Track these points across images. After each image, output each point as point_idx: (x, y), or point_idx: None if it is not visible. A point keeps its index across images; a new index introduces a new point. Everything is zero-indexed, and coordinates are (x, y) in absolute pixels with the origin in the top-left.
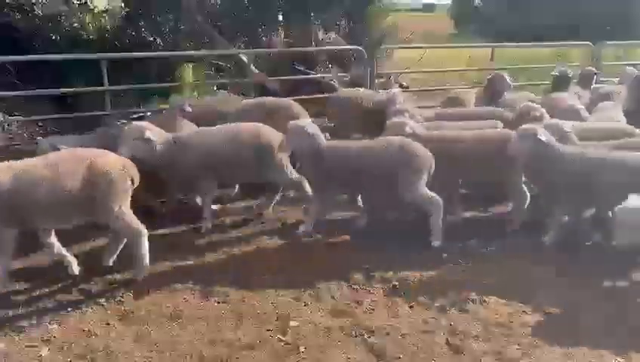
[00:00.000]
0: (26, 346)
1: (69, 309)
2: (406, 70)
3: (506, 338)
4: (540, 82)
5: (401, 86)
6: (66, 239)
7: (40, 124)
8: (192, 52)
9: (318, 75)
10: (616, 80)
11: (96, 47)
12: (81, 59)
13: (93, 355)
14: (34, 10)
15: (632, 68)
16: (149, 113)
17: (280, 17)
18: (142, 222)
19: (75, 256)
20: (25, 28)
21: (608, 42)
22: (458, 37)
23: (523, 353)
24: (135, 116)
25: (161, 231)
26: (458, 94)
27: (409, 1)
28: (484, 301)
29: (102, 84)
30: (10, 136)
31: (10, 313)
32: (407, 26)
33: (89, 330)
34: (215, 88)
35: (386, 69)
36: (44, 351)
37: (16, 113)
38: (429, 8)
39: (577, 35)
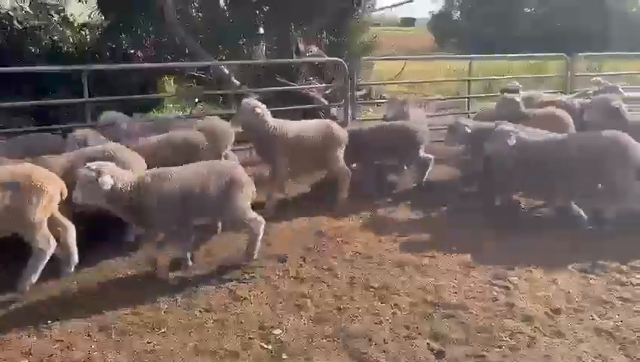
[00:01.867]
0: (4, 359)
1: (49, 321)
2: (386, 82)
3: (488, 342)
4: None
5: (382, 97)
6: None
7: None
8: (174, 64)
9: (299, 87)
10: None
11: (76, 61)
12: (61, 72)
13: None
14: (13, 25)
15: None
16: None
17: (261, 30)
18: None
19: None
20: (4, 42)
21: (582, 54)
22: (438, 51)
23: (504, 356)
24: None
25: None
26: None
27: (385, 16)
28: (466, 306)
29: (82, 97)
30: None
31: None
32: (387, 40)
33: (69, 342)
34: (196, 101)
35: (366, 82)
36: None
37: None
38: (407, 23)
39: (553, 48)
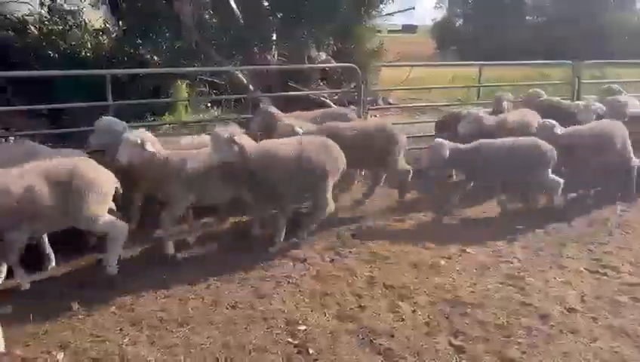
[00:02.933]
0: (42, 352)
1: (81, 316)
2: (394, 88)
3: (506, 339)
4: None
5: (389, 103)
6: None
7: (36, 140)
8: (190, 69)
9: (309, 92)
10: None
11: (92, 65)
12: (76, 75)
13: (108, 359)
14: (29, 30)
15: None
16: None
17: (274, 36)
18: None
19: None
20: (21, 46)
21: (586, 62)
22: (440, 58)
23: (523, 352)
24: None
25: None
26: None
27: (389, 23)
28: (483, 304)
29: (98, 101)
30: None
31: (25, 321)
32: (389, 47)
33: (103, 336)
34: (209, 105)
35: (373, 88)
36: (60, 356)
37: (12, 129)
38: (409, 29)
39: (552, 56)
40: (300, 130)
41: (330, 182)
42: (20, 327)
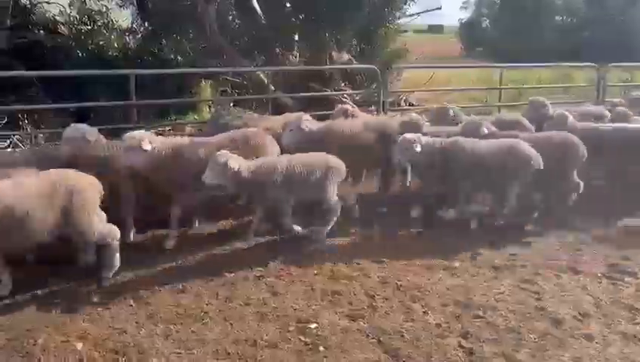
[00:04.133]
0: (62, 341)
1: (100, 309)
2: (415, 89)
3: (517, 343)
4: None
5: (411, 105)
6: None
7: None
8: (213, 69)
9: (330, 93)
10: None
11: (119, 64)
12: (102, 74)
13: (125, 350)
14: (59, 30)
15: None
16: (167, 128)
17: (296, 37)
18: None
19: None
20: (52, 46)
21: (612, 64)
22: (466, 59)
23: (533, 356)
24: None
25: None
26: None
27: (415, 23)
28: (496, 307)
29: (124, 100)
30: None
31: (47, 311)
32: (415, 47)
33: (120, 328)
34: (232, 105)
35: (395, 89)
36: (79, 346)
37: (42, 126)
38: (435, 30)
39: (579, 58)
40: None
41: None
42: (41, 317)
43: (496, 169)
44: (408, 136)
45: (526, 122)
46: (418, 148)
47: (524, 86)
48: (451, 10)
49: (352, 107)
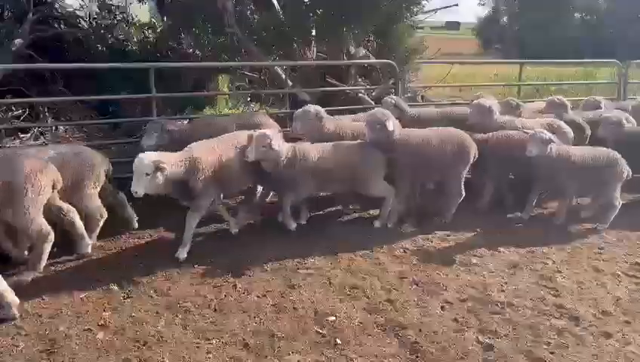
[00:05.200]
0: (84, 330)
1: (121, 298)
2: (432, 85)
3: (535, 339)
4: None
5: (426, 101)
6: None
7: (85, 129)
8: (231, 63)
9: (348, 88)
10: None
11: (138, 58)
12: (122, 68)
13: (146, 339)
14: (80, 23)
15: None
16: (185, 121)
17: (313, 32)
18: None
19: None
20: (72, 39)
21: (636, 61)
22: (484, 56)
23: (552, 353)
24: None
25: (209, 229)
26: None
27: (431, 19)
28: (514, 304)
29: (143, 93)
30: (58, 140)
31: (69, 300)
32: (432, 44)
33: (140, 318)
34: (249, 99)
35: (413, 85)
36: (100, 335)
37: (62, 119)
38: (452, 27)
39: (602, 55)
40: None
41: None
42: (64, 305)
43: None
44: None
45: None
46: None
47: (544, 82)
48: (468, 7)
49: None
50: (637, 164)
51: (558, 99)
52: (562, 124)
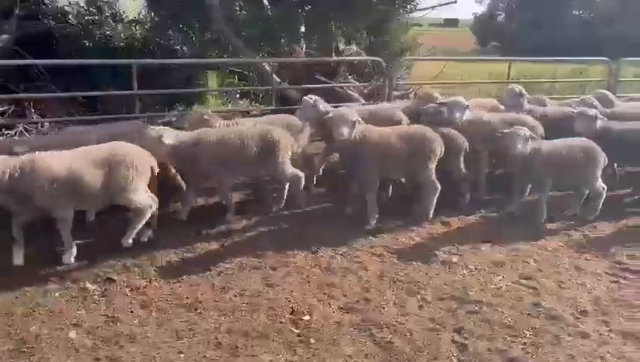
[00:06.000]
0: (55, 329)
1: (96, 296)
2: (424, 82)
3: (511, 339)
4: (559, 96)
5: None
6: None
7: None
8: (218, 59)
9: (337, 85)
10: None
11: (126, 55)
12: (110, 64)
13: (118, 339)
14: (68, 19)
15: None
16: (173, 118)
17: (302, 29)
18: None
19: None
20: (61, 36)
21: (626, 59)
22: (480, 53)
23: (527, 353)
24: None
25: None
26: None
27: (430, 16)
28: (492, 303)
29: (131, 90)
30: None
31: (41, 298)
32: (429, 40)
33: (114, 316)
34: (238, 96)
35: (405, 82)
36: (72, 334)
37: (49, 115)
38: (451, 23)
39: (600, 53)
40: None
41: None
42: (37, 303)
43: None
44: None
45: None
46: None
47: (533, 80)
48: (467, 4)
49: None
50: (611, 158)
51: (517, 88)
52: (529, 118)
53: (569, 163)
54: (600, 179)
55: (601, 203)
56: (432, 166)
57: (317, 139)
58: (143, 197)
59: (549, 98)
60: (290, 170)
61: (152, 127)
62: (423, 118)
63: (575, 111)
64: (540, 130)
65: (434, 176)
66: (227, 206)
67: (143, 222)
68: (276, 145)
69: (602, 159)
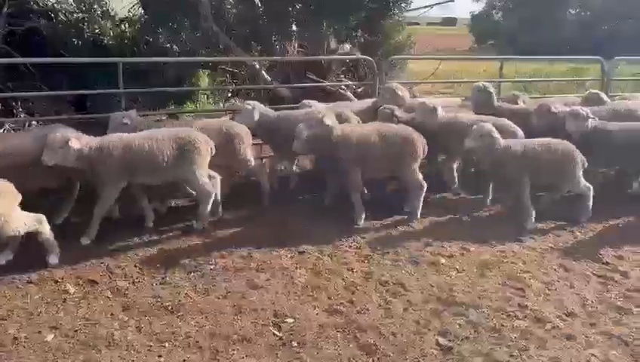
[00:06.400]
0: (34, 332)
1: (76, 299)
2: (416, 81)
3: (496, 341)
4: (551, 95)
5: (413, 97)
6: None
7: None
8: (206, 58)
9: (328, 84)
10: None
11: (115, 53)
12: (100, 63)
13: (96, 342)
14: (58, 17)
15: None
16: (164, 117)
17: (294, 27)
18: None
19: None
20: (50, 34)
21: (620, 58)
22: (478, 52)
23: (511, 355)
24: None
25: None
26: None
27: (428, 15)
28: (478, 305)
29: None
30: None
31: (22, 301)
32: (427, 39)
33: (94, 319)
34: (229, 95)
35: (398, 81)
36: (50, 337)
37: (37, 113)
38: (449, 22)
39: (598, 52)
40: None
41: None
42: (16, 306)
43: None
44: None
45: None
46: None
47: (525, 80)
48: (465, 3)
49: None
50: (602, 158)
51: (482, 84)
52: (506, 122)
53: (549, 163)
54: (582, 179)
55: (591, 203)
56: (416, 166)
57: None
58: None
59: (545, 96)
60: (202, 179)
61: (62, 129)
62: (379, 118)
63: (567, 110)
64: (520, 133)
65: (419, 176)
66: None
67: None
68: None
69: (581, 161)
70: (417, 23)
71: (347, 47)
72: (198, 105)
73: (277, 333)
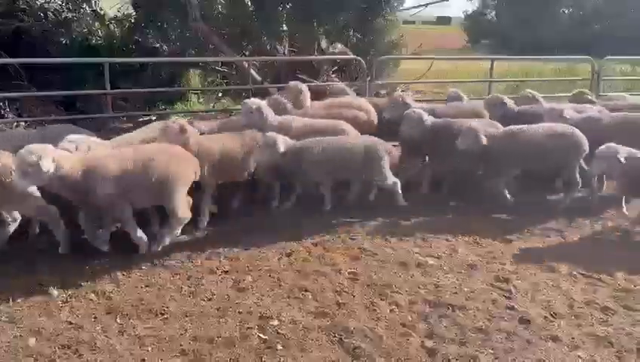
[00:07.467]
0: (15, 336)
1: (59, 302)
2: (407, 81)
3: (482, 343)
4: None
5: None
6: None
7: (44, 124)
8: (195, 58)
9: (318, 83)
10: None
11: (104, 53)
12: (88, 63)
13: (78, 347)
14: (47, 17)
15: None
16: (153, 117)
17: (284, 27)
18: None
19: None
20: (38, 33)
21: (610, 57)
22: (471, 51)
23: (497, 357)
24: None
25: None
26: None
27: (423, 14)
28: (465, 307)
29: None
30: None
31: (3, 305)
32: (420, 38)
33: (77, 323)
34: (220, 94)
35: (390, 80)
36: (31, 342)
37: (25, 115)
38: (443, 21)
39: (588, 51)
40: None
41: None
42: None
43: None
44: None
45: None
46: None
47: (514, 79)
48: (460, 2)
49: None
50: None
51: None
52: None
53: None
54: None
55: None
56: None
57: None
58: None
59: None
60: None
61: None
62: None
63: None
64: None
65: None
66: None
67: None
68: None
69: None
70: (412, 22)
71: (339, 46)
72: (188, 105)
73: (262, 336)
